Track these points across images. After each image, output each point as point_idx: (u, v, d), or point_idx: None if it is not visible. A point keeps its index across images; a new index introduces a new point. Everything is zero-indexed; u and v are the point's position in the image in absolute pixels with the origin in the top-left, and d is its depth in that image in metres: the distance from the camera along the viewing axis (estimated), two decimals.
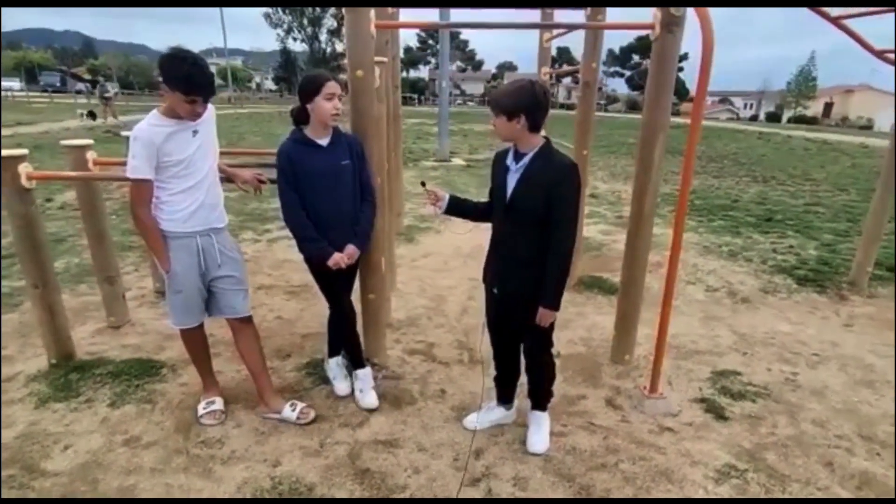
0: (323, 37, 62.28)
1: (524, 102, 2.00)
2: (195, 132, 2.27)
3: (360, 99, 2.66)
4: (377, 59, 2.75)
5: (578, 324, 3.84)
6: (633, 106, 65.70)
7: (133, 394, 2.84)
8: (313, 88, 2.38)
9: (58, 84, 50.99)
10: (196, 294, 2.43)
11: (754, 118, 63.52)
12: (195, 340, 2.62)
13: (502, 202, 2.16)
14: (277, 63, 66.71)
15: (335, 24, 60.26)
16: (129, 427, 2.58)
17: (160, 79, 2.13)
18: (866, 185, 10.60)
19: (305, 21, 59.94)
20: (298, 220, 2.50)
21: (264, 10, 59.36)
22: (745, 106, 73.81)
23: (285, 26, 60.65)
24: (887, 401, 2.93)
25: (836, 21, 3.84)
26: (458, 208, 2.42)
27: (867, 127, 46.90)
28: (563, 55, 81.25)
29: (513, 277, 2.23)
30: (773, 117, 57.44)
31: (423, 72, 79.08)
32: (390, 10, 3.88)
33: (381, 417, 2.70)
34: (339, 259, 2.53)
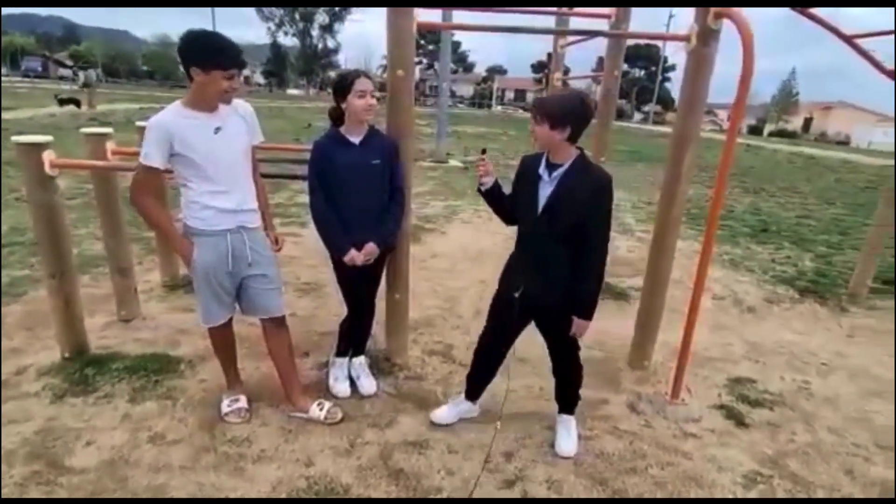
0: (315, 32, 61.84)
1: (573, 114, 2.02)
2: (218, 129, 2.18)
3: (398, 98, 2.65)
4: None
5: (591, 327, 3.85)
6: (619, 113, 66.47)
7: (153, 390, 2.78)
8: (345, 86, 2.41)
9: (39, 69, 49.72)
10: (222, 293, 2.37)
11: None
12: (222, 337, 2.57)
13: (532, 211, 2.16)
14: (267, 57, 65.93)
15: (327, 20, 59.90)
16: (152, 424, 2.52)
17: (188, 63, 2.04)
18: (852, 199, 10.91)
19: (297, 16, 59.39)
20: (323, 214, 2.52)
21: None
22: (728, 118, 75.42)
23: (276, 20, 60.07)
24: None
25: (849, 39, 3.95)
26: (497, 196, 2.37)
27: (844, 142, 48.29)
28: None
29: (541, 286, 2.23)
30: (755, 130, 58.68)
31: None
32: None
33: (408, 418, 2.69)
34: (355, 256, 2.52)
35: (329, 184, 2.49)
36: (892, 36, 4.21)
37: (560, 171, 2.10)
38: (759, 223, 7.62)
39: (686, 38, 2.68)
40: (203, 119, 2.15)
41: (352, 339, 2.92)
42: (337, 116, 2.51)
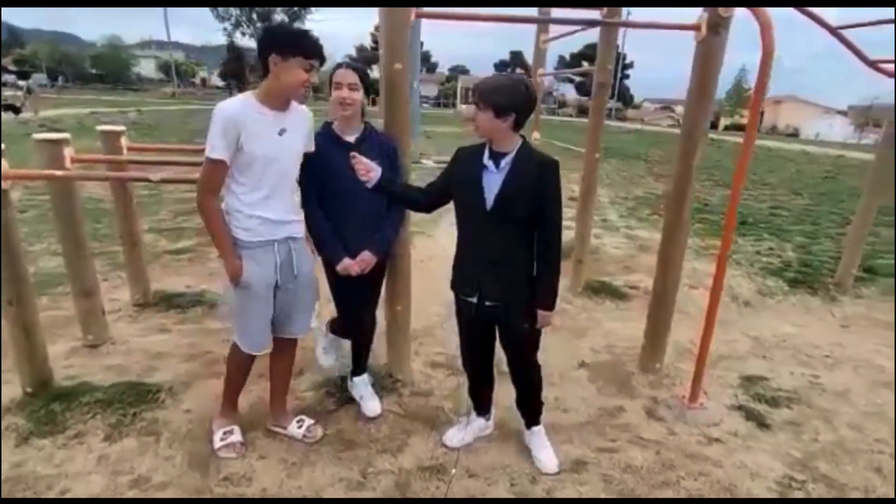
0: None
1: (517, 101, 1.91)
2: (283, 131, 2.00)
3: (395, 94, 2.45)
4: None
5: (595, 331, 3.76)
6: (582, 110, 67.66)
7: (131, 425, 2.49)
8: (328, 79, 2.23)
9: None
10: (269, 313, 2.16)
11: None
12: (245, 363, 2.30)
13: (479, 204, 2.01)
14: (225, 58, 63.96)
15: (286, 20, 58.50)
16: (133, 465, 2.24)
17: (268, 51, 1.89)
18: (815, 189, 11.28)
19: (255, 15, 57.87)
20: (316, 219, 2.33)
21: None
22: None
23: (233, 20, 58.32)
24: None
25: (834, 31, 3.95)
26: (391, 189, 2.23)
27: (794, 135, 50.40)
28: (516, 58, 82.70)
29: (498, 284, 2.09)
30: (711, 124, 60.62)
31: (376, 72, 78.12)
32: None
33: (420, 440, 2.49)
34: (349, 265, 2.33)
35: (322, 187, 2.29)
36: (871, 28, 4.26)
37: (507, 159, 1.98)
38: (738, 216, 7.72)
39: (696, 28, 2.58)
40: (271, 117, 1.97)
41: (348, 335, 2.75)
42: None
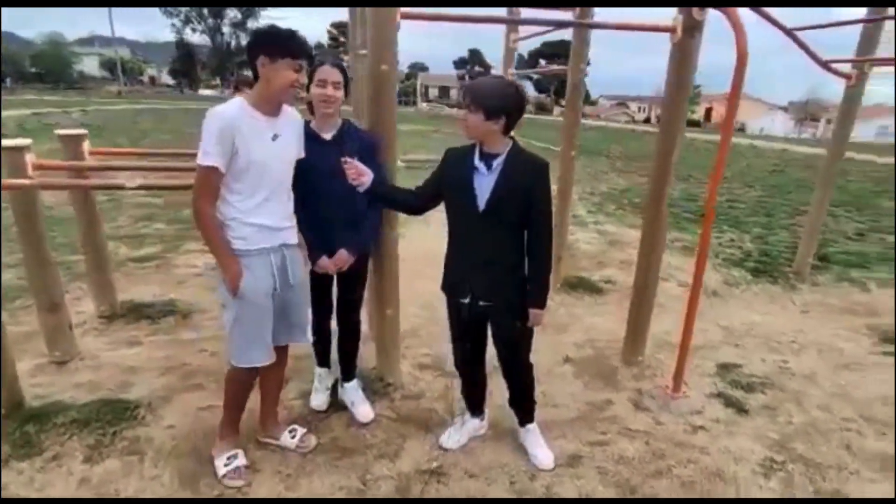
0: (226, 29, 58.53)
1: (509, 104, 1.94)
2: (276, 136, 1.96)
3: (382, 95, 2.42)
4: None
5: (576, 326, 3.83)
6: (541, 107, 68.71)
7: (111, 445, 2.37)
8: (310, 75, 2.17)
9: None
10: (267, 324, 2.07)
11: (647, 120, 69.34)
12: (248, 383, 2.19)
13: (472, 206, 2.04)
14: (174, 56, 61.53)
15: (239, 16, 56.88)
16: (118, 486, 2.14)
17: (255, 55, 1.85)
18: (765, 181, 11.85)
19: (206, 12, 55.91)
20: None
21: None
22: (639, 110, 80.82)
23: (182, 16, 56.18)
24: (869, 382, 3.20)
25: (789, 32, 4.16)
26: (382, 193, 2.27)
27: (741, 130, 52.78)
28: (475, 56, 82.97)
29: (490, 284, 2.12)
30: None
31: None
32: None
33: (416, 443, 2.48)
34: (326, 264, 2.32)
35: (298, 184, 2.22)
36: (825, 30, 4.52)
37: (499, 160, 2.00)
38: (698, 209, 8.02)
39: (672, 30, 2.66)
40: (264, 122, 1.92)
41: (326, 348, 2.71)
42: (311, 109, 2.30)
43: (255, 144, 1.88)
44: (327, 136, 2.27)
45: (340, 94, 2.20)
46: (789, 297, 4.61)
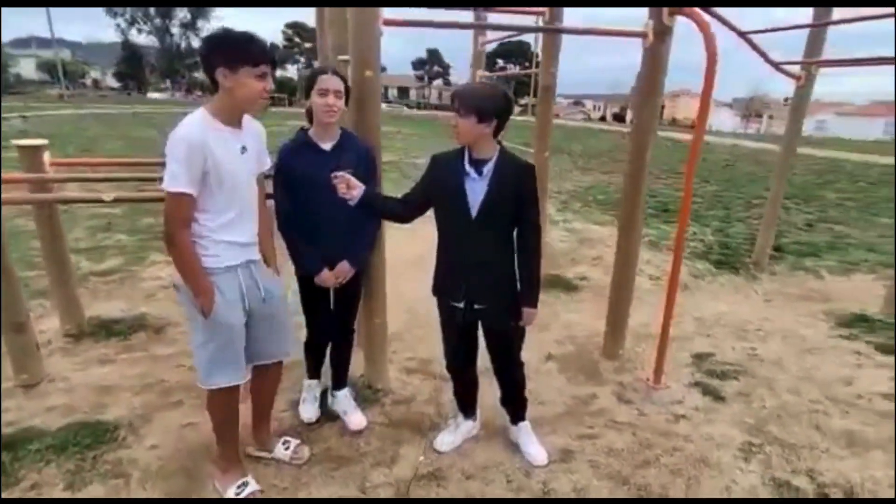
0: (175, 30, 56.44)
1: (499, 107, 1.98)
2: (243, 149, 1.87)
3: (367, 102, 2.41)
4: None
5: (556, 324, 3.91)
6: None
7: (93, 469, 2.27)
8: (309, 84, 2.18)
9: None
10: (238, 342, 1.97)
11: (602, 118, 71.33)
12: (228, 405, 2.07)
13: (463, 211, 2.06)
14: (119, 57, 58.85)
15: (189, 17, 54.95)
16: None
17: (213, 67, 1.72)
18: (719, 176, 12.40)
19: (153, 11, 53.75)
20: (290, 231, 2.28)
21: None
22: (595, 108, 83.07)
23: (127, 16, 53.82)
24: (829, 364, 3.41)
25: (742, 34, 4.37)
26: (374, 204, 2.26)
27: (692, 126, 54.94)
28: (433, 57, 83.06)
29: (484, 287, 2.15)
30: (618, 118, 64.89)
31: (290, 71, 75.49)
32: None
33: (411, 448, 2.49)
34: (327, 277, 2.31)
35: (297, 196, 2.23)
36: (780, 32, 4.77)
37: (489, 166, 2.04)
38: (660, 204, 8.32)
39: (643, 35, 2.76)
40: (228, 135, 1.81)
41: (320, 361, 2.69)
42: (310, 117, 2.27)
43: (224, 160, 1.79)
44: (326, 146, 2.24)
45: (342, 102, 2.19)
46: (752, 287, 4.86)
